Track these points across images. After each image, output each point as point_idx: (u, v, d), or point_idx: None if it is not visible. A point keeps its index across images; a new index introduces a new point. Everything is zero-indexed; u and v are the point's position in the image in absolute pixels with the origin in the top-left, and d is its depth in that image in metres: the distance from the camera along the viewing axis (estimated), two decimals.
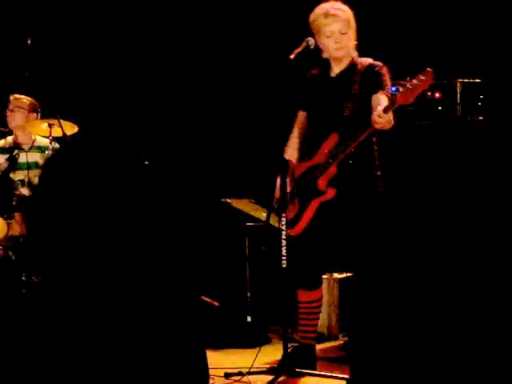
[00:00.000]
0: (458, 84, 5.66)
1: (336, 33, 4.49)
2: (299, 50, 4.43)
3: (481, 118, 5.69)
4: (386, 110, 4.18)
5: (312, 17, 4.56)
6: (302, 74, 4.67)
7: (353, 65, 4.55)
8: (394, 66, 4.59)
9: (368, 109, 4.31)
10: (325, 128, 4.55)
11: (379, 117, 4.18)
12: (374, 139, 4.53)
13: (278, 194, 4.57)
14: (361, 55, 4.61)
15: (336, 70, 4.60)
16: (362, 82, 4.44)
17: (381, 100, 4.31)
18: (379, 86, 4.39)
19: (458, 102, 5.65)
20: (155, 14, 6.93)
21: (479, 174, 5.63)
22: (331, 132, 4.50)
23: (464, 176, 5.66)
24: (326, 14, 4.50)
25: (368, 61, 4.55)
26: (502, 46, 6.10)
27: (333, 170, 4.48)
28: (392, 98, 4.15)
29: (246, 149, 6.84)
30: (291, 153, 4.68)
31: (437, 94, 5.68)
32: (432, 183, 5.73)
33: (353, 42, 4.57)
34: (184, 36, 6.95)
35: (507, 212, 5.42)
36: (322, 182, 4.51)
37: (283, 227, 4.39)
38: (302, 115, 4.74)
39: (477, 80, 5.72)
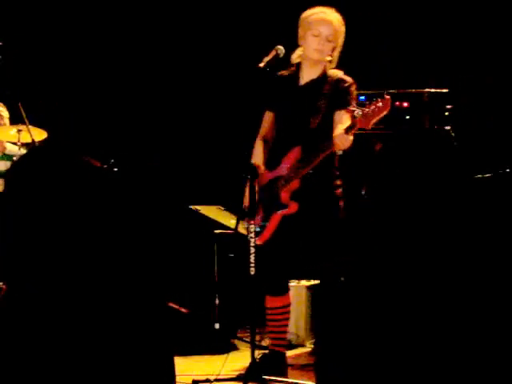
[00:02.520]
0: (426, 94, 5.72)
1: (323, 36, 4.46)
2: (269, 58, 4.42)
3: (448, 127, 5.75)
4: (347, 131, 4.21)
5: (308, 12, 4.54)
6: (271, 78, 4.66)
7: (323, 76, 4.53)
8: (365, 76, 4.63)
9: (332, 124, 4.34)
10: (289, 139, 4.54)
11: (340, 137, 4.20)
12: (336, 156, 4.55)
13: (246, 201, 4.57)
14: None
15: (306, 77, 4.58)
16: (329, 97, 4.43)
17: (343, 119, 4.33)
18: (345, 103, 4.37)
19: (426, 111, 5.70)
20: (117, 20, 6.92)
21: (447, 183, 5.68)
22: (294, 145, 4.49)
23: (432, 185, 5.71)
24: (323, 15, 4.49)
25: (338, 74, 4.53)
26: (468, 57, 6.18)
27: (295, 184, 4.49)
28: (353, 121, 4.18)
29: (215, 156, 6.85)
30: (257, 157, 4.67)
31: (405, 104, 5.73)
32: (400, 192, 5.78)
33: (332, 55, 4.54)
34: (149, 39, 6.95)
35: (472, 221, 5.47)
36: (284, 195, 4.50)
37: (251, 235, 4.40)
38: (269, 116, 4.71)
39: (444, 90, 5.78)
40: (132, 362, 3.54)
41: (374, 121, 4.20)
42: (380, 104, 4.16)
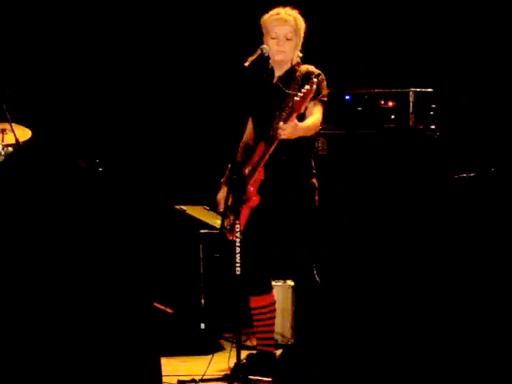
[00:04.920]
0: (411, 93, 5.73)
1: (281, 36, 4.50)
2: (254, 57, 4.44)
3: (433, 126, 5.76)
4: (287, 118, 4.23)
5: (264, 17, 4.58)
6: (254, 81, 4.68)
7: (291, 71, 4.54)
8: (351, 75, 4.63)
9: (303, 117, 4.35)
10: (259, 136, 4.58)
11: (283, 127, 4.22)
12: (315, 145, 4.57)
13: (220, 207, 4.58)
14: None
15: (276, 75, 4.60)
16: (298, 91, 4.37)
17: (314, 110, 4.38)
18: (314, 95, 4.34)
19: (411, 111, 5.71)
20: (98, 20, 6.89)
21: (430, 182, 5.70)
22: (261, 140, 4.52)
23: (415, 184, 5.72)
24: (277, 16, 4.53)
25: (309, 68, 4.53)
26: (452, 56, 6.19)
27: (259, 176, 4.49)
28: (293, 105, 4.21)
29: (200, 155, 6.84)
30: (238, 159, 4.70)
31: (390, 103, 5.74)
32: (384, 191, 5.79)
33: (297, 52, 4.56)
34: (132, 40, 6.93)
35: (455, 222, 5.49)
36: (250, 189, 4.51)
37: (237, 234, 4.39)
38: (250, 122, 4.76)
39: (429, 89, 5.79)
40: (119, 362, 3.53)
41: (306, 104, 4.24)
42: (308, 87, 4.21)
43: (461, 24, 6.22)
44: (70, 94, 6.83)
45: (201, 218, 5.91)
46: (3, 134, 5.91)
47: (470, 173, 5.61)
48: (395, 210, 5.71)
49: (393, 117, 5.74)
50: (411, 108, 5.71)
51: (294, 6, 4.57)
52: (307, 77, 4.44)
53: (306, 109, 4.31)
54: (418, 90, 5.75)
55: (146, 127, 6.93)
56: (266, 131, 4.48)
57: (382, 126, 5.79)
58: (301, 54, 4.60)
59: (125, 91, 6.93)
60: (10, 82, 6.46)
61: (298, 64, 4.58)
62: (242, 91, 4.62)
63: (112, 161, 6.40)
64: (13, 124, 5.88)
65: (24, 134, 6.01)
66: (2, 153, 5.87)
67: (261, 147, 4.50)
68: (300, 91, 4.24)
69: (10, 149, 5.93)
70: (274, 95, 4.53)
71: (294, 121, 4.24)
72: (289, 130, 4.24)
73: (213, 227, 5.79)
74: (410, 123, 5.71)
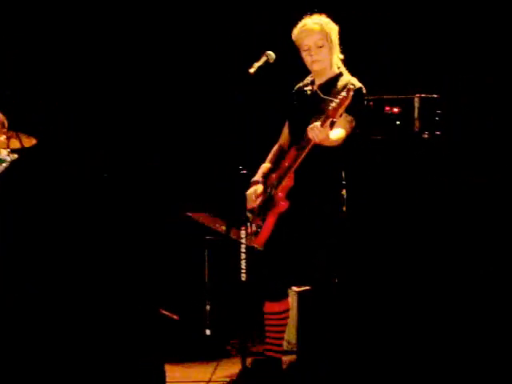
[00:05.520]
0: (416, 99, 5.72)
1: (312, 46, 4.47)
2: (259, 63, 4.44)
3: (438, 133, 5.76)
4: (322, 123, 4.17)
5: (293, 32, 4.56)
6: (264, 88, 4.67)
7: (332, 81, 4.51)
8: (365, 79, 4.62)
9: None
10: (293, 142, 4.57)
11: (312, 128, 4.16)
12: (342, 161, 4.56)
13: (249, 203, 4.57)
14: None
15: (317, 84, 4.58)
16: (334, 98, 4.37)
17: (341, 123, 4.31)
18: (347, 108, 4.26)
19: (416, 117, 5.71)
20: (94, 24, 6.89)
21: (435, 189, 5.69)
22: (293, 146, 4.51)
23: (420, 190, 5.72)
24: (302, 28, 4.51)
25: (349, 79, 4.47)
26: (458, 62, 6.19)
27: (288, 182, 4.49)
28: (327, 112, 4.17)
29: (207, 162, 6.84)
30: (267, 161, 4.70)
31: (395, 109, 5.74)
32: (389, 198, 5.79)
33: (334, 56, 4.53)
34: (144, 42, 6.93)
35: (460, 228, 5.49)
36: (279, 195, 4.51)
37: (243, 240, 4.39)
38: (287, 127, 4.75)
39: (434, 95, 5.79)
40: (123, 368, 3.53)
41: (341, 111, 4.18)
42: (344, 94, 4.15)
43: (468, 27, 6.21)
44: (72, 96, 6.84)
45: (206, 224, 5.90)
46: (8, 140, 5.91)
47: (477, 178, 5.61)
48: (400, 216, 5.70)
49: (398, 123, 5.74)
50: (416, 114, 5.70)
51: (305, 11, 4.55)
52: (343, 89, 4.40)
53: (340, 116, 4.25)
54: (424, 95, 5.75)
55: (151, 132, 6.93)
56: (301, 137, 4.45)
57: (387, 132, 5.78)
58: (342, 56, 4.57)
59: (132, 96, 6.93)
60: (9, 83, 6.47)
61: (341, 74, 4.54)
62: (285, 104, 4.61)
63: (116, 165, 6.40)
64: (18, 132, 5.88)
65: (29, 140, 6.01)
66: (8, 159, 5.86)
67: (292, 153, 4.49)
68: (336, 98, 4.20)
69: (16, 155, 5.93)
70: (311, 101, 4.51)
71: (327, 128, 4.17)
72: (321, 136, 4.16)
73: (218, 233, 5.79)
74: (416, 129, 5.71)
